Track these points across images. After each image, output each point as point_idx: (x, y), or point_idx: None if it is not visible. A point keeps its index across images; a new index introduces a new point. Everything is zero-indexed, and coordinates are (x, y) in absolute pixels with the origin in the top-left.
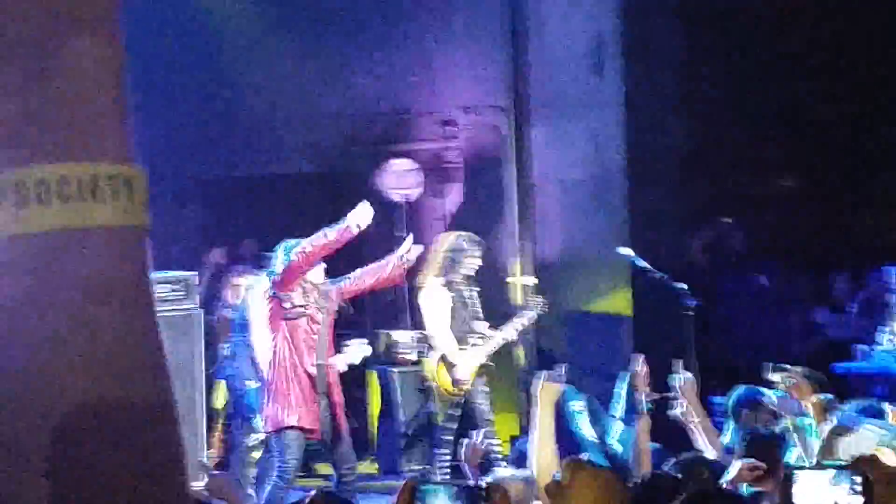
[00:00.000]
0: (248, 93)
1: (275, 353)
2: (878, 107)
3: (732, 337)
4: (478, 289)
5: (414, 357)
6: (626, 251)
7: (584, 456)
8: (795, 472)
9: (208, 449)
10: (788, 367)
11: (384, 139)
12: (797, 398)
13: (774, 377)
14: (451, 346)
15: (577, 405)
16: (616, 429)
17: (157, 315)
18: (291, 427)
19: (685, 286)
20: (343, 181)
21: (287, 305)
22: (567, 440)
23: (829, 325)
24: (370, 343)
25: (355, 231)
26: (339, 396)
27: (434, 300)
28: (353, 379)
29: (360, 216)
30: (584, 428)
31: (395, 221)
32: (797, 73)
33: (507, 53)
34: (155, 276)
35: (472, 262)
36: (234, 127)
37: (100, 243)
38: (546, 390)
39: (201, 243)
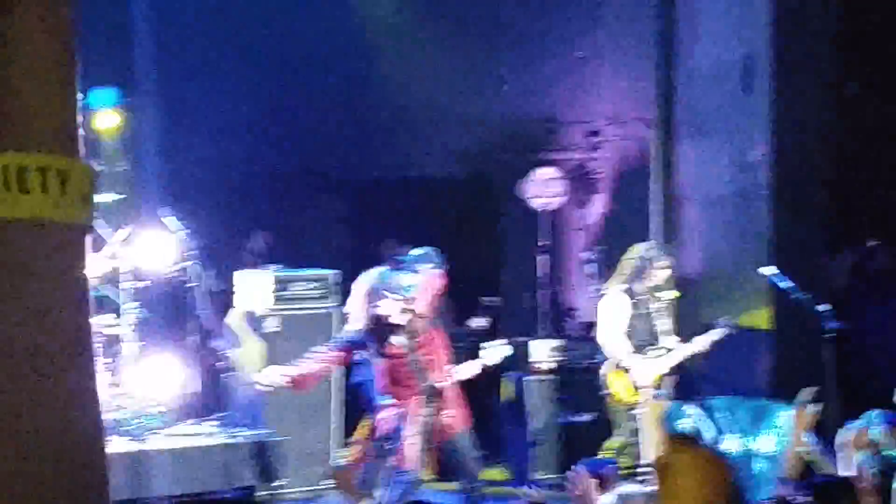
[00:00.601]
0: (398, 96)
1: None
2: None
3: (874, 361)
4: (667, 300)
5: (546, 366)
6: (769, 270)
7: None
8: None
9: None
10: None
11: (530, 147)
12: None
13: None
14: (624, 353)
15: (685, 423)
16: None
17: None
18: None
19: (829, 308)
20: (487, 187)
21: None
22: None
23: None
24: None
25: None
26: (458, 407)
27: (612, 307)
28: (487, 385)
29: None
30: None
31: (536, 230)
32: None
33: (656, 67)
34: (296, 273)
35: (659, 273)
36: (383, 129)
37: (27, 236)
38: (652, 407)
39: (344, 243)
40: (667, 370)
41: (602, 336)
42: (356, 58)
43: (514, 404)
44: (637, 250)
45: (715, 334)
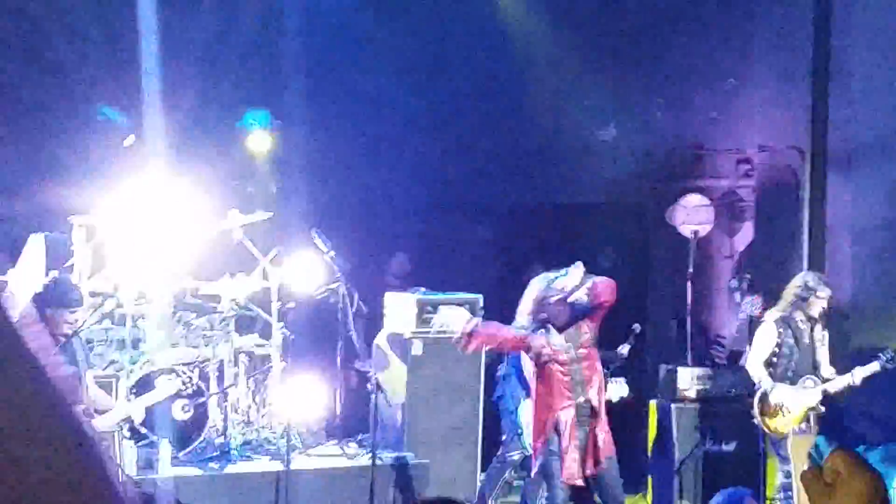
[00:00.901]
0: (549, 124)
1: (537, 399)
2: None
3: None
4: (822, 329)
5: (693, 394)
6: None
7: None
8: None
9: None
10: None
11: (679, 174)
12: None
13: None
14: (764, 380)
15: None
16: None
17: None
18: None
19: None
20: (637, 213)
21: (531, 356)
22: None
23: None
24: (652, 377)
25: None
26: (601, 430)
27: (767, 335)
28: (634, 412)
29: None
30: None
31: (685, 257)
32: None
33: (808, 95)
34: (440, 296)
35: (818, 302)
36: (532, 156)
37: None
38: (796, 443)
39: (491, 268)
40: (816, 402)
41: (747, 362)
42: (507, 86)
43: (660, 431)
44: (801, 279)
45: (874, 365)
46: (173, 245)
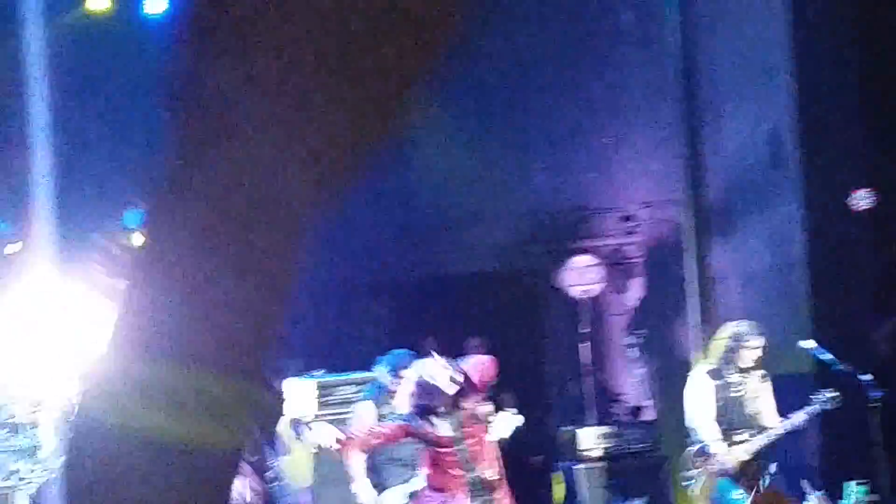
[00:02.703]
0: (430, 193)
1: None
2: None
3: None
4: (760, 379)
5: (598, 453)
6: (809, 343)
7: None
8: None
9: None
10: None
11: (565, 236)
12: None
13: None
14: (713, 438)
15: (736, 494)
16: None
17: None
18: None
19: (870, 377)
20: (524, 279)
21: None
22: None
23: None
24: (555, 440)
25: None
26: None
27: (699, 389)
28: (540, 474)
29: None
30: None
31: (578, 318)
32: None
33: (684, 148)
34: (339, 378)
35: (751, 352)
36: (418, 227)
37: None
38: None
39: (385, 343)
40: (749, 456)
41: (691, 420)
42: (393, 159)
43: (568, 494)
44: (728, 330)
45: (812, 409)
46: (64, 349)
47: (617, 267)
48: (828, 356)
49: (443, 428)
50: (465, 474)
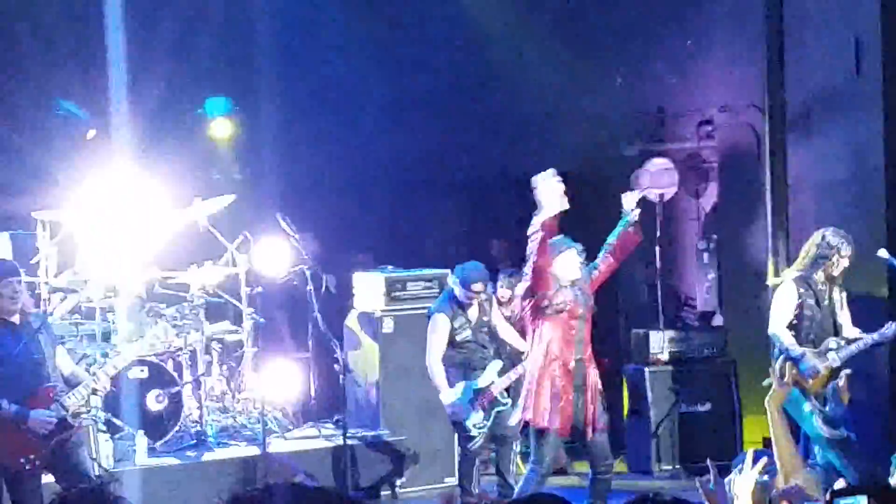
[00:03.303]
0: (508, 94)
1: (535, 347)
2: None
3: None
4: (845, 291)
5: (665, 357)
6: (884, 253)
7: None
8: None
9: None
10: None
11: (644, 138)
12: None
13: None
14: (790, 343)
15: (808, 406)
16: None
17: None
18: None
19: None
20: (603, 180)
21: (545, 303)
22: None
23: None
24: (621, 340)
25: (554, 204)
26: (595, 394)
27: (787, 296)
28: (608, 377)
29: (548, 190)
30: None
31: (652, 221)
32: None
33: (765, 53)
34: (408, 273)
35: (841, 262)
36: (495, 128)
37: None
38: (773, 396)
39: (461, 243)
40: (838, 364)
41: (771, 327)
42: (466, 60)
43: (635, 396)
44: (819, 236)
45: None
46: (140, 236)
47: (693, 171)
48: None
49: (577, 298)
50: (575, 353)
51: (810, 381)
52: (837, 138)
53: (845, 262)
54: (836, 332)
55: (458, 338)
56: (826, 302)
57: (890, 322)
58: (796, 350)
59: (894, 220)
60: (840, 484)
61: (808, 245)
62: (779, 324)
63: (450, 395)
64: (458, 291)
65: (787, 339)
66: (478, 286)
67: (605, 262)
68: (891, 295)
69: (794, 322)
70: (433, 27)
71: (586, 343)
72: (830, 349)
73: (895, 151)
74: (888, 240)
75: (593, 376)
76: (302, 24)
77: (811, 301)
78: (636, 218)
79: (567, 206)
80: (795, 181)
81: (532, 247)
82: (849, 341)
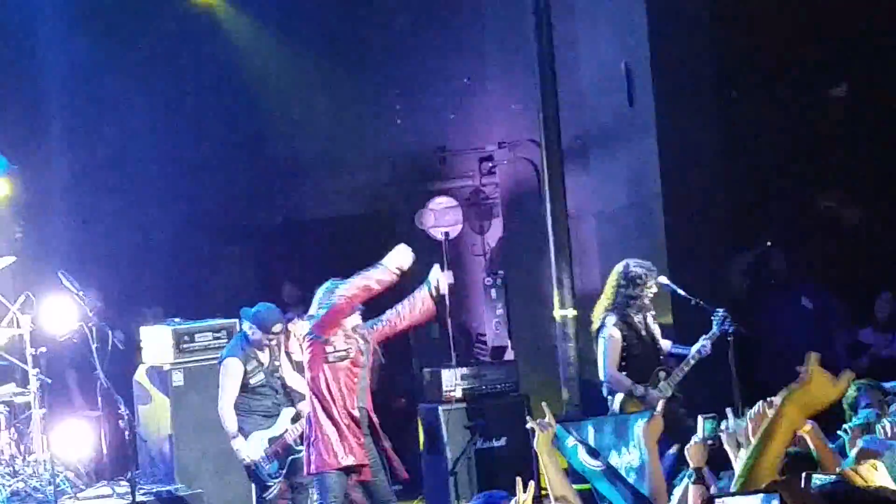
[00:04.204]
0: (289, 139)
1: (316, 396)
2: None
3: (776, 360)
4: (652, 313)
5: (459, 393)
6: (664, 279)
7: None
8: (720, 499)
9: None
10: None
11: (424, 178)
12: None
13: None
14: (629, 385)
15: (570, 441)
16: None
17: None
18: (336, 468)
19: (725, 312)
20: (384, 221)
21: (329, 349)
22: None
23: (877, 345)
24: (415, 380)
25: (397, 274)
26: (383, 437)
27: (612, 342)
28: (403, 416)
29: (400, 259)
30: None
31: (436, 259)
32: (833, 86)
33: (540, 87)
34: (196, 325)
35: (648, 291)
36: (278, 173)
37: None
38: (539, 440)
39: (250, 289)
40: (670, 393)
41: (603, 374)
42: (248, 106)
43: (430, 434)
44: (620, 271)
45: (710, 335)
46: None
47: (476, 207)
48: (682, 292)
49: (364, 347)
50: (360, 402)
51: None
52: (615, 167)
53: (654, 289)
54: (659, 359)
55: (251, 381)
56: (644, 333)
57: (701, 338)
58: (639, 389)
59: (674, 246)
60: None
61: (614, 278)
62: (613, 370)
63: (241, 442)
64: (256, 335)
65: (626, 382)
66: (277, 327)
67: (394, 320)
68: (675, 321)
69: (623, 364)
70: (211, 80)
71: (368, 391)
72: (660, 380)
73: (671, 177)
74: (669, 265)
75: (375, 421)
76: (84, 84)
77: (635, 340)
78: (442, 292)
79: (397, 275)
80: (576, 212)
81: (353, 288)
82: (672, 369)
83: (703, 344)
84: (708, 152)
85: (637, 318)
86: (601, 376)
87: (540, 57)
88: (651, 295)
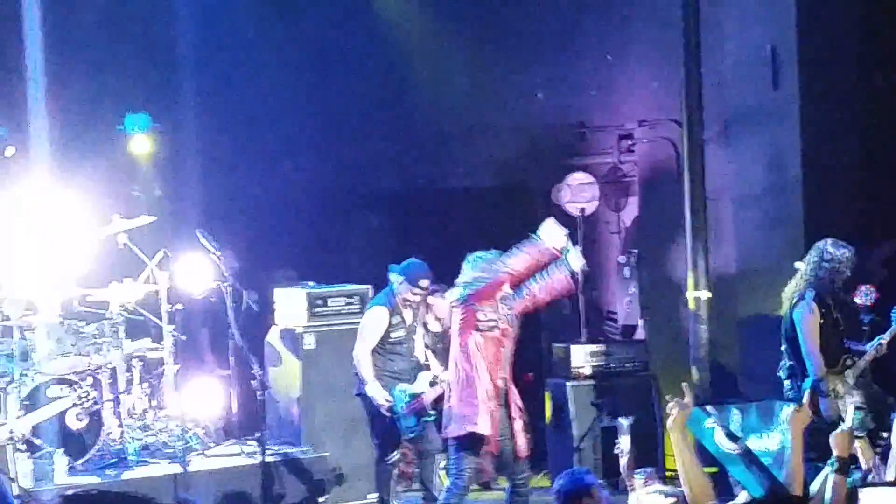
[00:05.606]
0: (429, 107)
1: (464, 361)
2: None
3: None
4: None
5: (587, 370)
6: (802, 265)
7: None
8: (864, 489)
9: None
10: None
11: (563, 153)
12: None
13: None
14: (822, 369)
15: (709, 423)
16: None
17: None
18: (472, 434)
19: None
20: (522, 195)
21: (482, 317)
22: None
23: None
24: (543, 355)
25: (557, 253)
26: (518, 410)
27: (810, 319)
28: (531, 391)
29: (556, 237)
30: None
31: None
32: None
33: (684, 67)
34: (330, 289)
35: (844, 273)
36: (417, 141)
37: None
38: (674, 420)
39: (381, 256)
40: (854, 380)
41: (806, 352)
42: (390, 74)
43: (557, 410)
44: (818, 252)
45: None
46: (59, 253)
47: (613, 185)
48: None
49: (511, 318)
50: (503, 372)
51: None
52: (756, 150)
53: (847, 273)
54: (844, 347)
55: (392, 335)
56: (836, 316)
57: (879, 336)
58: (822, 371)
59: (813, 231)
60: (742, 497)
61: (810, 262)
62: (812, 346)
63: (378, 388)
64: (402, 287)
65: (818, 362)
66: (424, 282)
67: (535, 291)
68: None
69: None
70: (353, 42)
71: (510, 363)
72: (847, 367)
73: (813, 162)
74: (807, 251)
75: (514, 394)
76: (222, 41)
77: (830, 320)
78: (584, 268)
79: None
80: (714, 194)
81: (518, 262)
82: (857, 355)
83: (879, 342)
84: (852, 139)
85: (830, 302)
86: (802, 352)
87: (685, 36)
88: (845, 277)
